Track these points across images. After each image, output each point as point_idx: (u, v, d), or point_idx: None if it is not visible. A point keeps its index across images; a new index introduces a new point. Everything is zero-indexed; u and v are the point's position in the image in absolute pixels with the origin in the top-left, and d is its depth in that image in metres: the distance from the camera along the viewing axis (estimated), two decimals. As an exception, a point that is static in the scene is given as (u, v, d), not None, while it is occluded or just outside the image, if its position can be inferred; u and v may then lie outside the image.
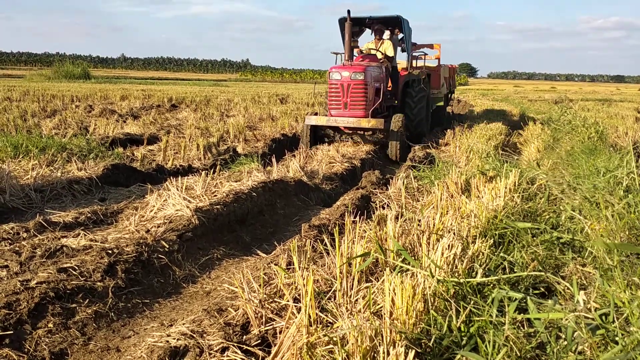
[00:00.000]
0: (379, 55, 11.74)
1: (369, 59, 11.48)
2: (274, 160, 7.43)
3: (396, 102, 11.94)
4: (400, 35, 12.79)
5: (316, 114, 11.17)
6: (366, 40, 14.84)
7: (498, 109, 22.58)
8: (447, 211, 4.22)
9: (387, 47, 11.95)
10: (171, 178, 5.75)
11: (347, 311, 2.61)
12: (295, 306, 2.71)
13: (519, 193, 4.92)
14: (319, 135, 11.09)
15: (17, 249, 3.89)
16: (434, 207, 4.67)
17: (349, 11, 10.75)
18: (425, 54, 15.04)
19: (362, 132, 10.91)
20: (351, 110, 10.33)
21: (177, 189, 5.22)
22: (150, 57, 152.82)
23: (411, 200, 5.27)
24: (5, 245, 4.01)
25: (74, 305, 3.16)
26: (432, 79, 14.75)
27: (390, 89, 11.97)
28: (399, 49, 12.79)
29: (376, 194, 6.13)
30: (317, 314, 2.59)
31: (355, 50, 11.99)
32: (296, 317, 2.54)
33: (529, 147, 10.23)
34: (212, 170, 6.75)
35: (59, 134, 10.36)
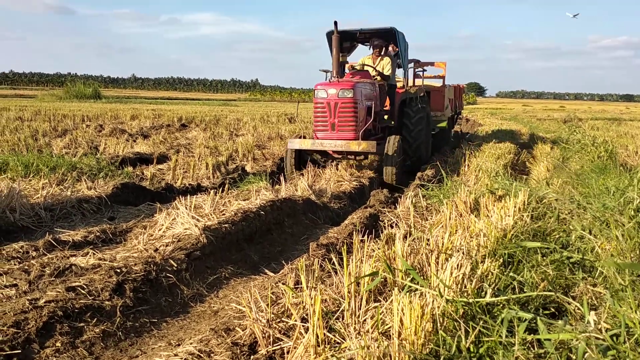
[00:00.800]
0: (372, 72, 10.62)
1: (360, 75, 10.34)
2: (282, 178, 7.45)
3: (392, 122, 10.74)
4: (391, 53, 11.64)
5: (303, 136, 9.97)
6: (360, 56, 13.85)
7: (507, 128, 22.56)
8: (456, 230, 4.20)
9: (386, 65, 10.90)
10: (180, 197, 5.77)
11: (355, 331, 2.59)
12: (303, 326, 2.70)
13: (529, 212, 4.89)
14: (305, 160, 9.93)
15: (26, 267, 3.90)
16: (442, 226, 4.65)
17: (335, 22, 9.55)
18: (424, 70, 14.14)
19: (352, 157, 9.89)
20: (339, 131, 9.21)
21: (186, 208, 5.23)
22: (160, 77, 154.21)
23: (420, 219, 5.25)
24: (15, 264, 4.02)
25: (82, 324, 3.16)
26: (434, 99, 13.77)
27: (387, 108, 10.96)
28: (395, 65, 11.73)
29: (384, 213, 6.11)
30: (325, 334, 2.58)
31: (347, 67, 11.07)
32: (304, 337, 2.52)
33: (538, 166, 10.20)
34: (220, 189, 6.77)
35: (69, 153, 10.43)
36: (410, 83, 13.41)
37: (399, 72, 12.19)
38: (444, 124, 14.41)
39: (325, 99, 9.17)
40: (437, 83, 15.60)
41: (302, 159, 9.86)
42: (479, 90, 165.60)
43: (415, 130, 10.69)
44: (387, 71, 10.79)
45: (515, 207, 4.81)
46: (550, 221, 4.66)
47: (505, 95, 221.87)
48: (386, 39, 11.29)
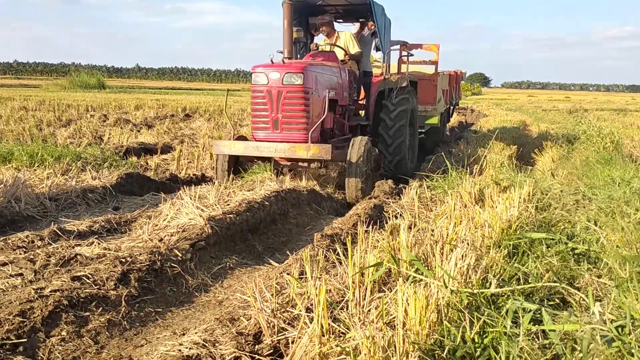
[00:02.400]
0: (340, 54, 8.56)
1: (323, 57, 8.20)
2: (286, 169, 7.43)
3: (367, 120, 8.83)
4: (367, 32, 9.48)
5: (239, 137, 7.80)
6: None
7: (512, 118, 22.48)
8: (461, 221, 4.20)
9: (348, 42, 8.70)
10: (184, 187, 5.77)
11: (359, 321, 2.59)
12: (308, 316, 2.70)
13: (534, 203, 4.88)
14: (244, 166, 7.87)
15: (31, 257, 3.91)
16: (447, 217, 4.64)
17: None
18: (411, 54, 11.29)
19: (306, 165, 7.67)
20: (284, 131, 7.02)
21: (191, 198, 5.23)
22: (164, 67, 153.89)
23: (424, 210, 5.25)
24: (20, 254, 4.04)
25: (87, 313, 3.17)
26: (423, 90, 11.10)
27: (362, 101, 9.14)
28: (372, 47, 9.54)
29: (389, 204, 6.11)
30: (329, 324, 2.58)
31: (312, 46, 8.99)
32: (309, 327, 2.52)
33: (544, 156, 10.17)
34: (225, 179, 6.77)
35: (73, 143, 10.45)
36: (395, 70, 10.83)
37: (378, 56, 10.13)
38: (434, 120, 11.99)
39: (266, 87, 6.98)
40: (429, 70, 12.99)
41: (242, 165, 7.83)
42: (484, 80, 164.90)
43: (395, 127, 8.57)
44: (352, 49, 8.70)
45: (520, 198, 4.80)
46: (555, 212, 4.65)
47: (510, 85, 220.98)
48: (360, 16, 9.48)
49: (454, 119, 22.71)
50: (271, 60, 7.09)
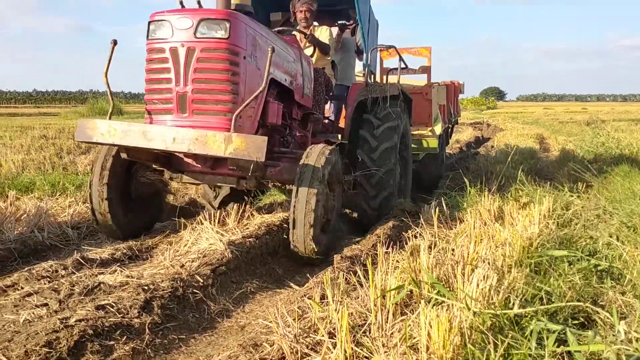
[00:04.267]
0: (303, 43, 6.68)
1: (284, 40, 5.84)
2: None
3: (340, 137, 6.78)
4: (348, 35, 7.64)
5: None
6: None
7: (528, 132, 22.37)
8: (481, 240, 4.18)
9: (322, 33, 6.86)
10: (204, 211, 5.82)
11: (383, 345, 2.60)
12: (331, 341, 2.71)
13: (554, 219, 4.85)
14: (142, 172, 5.38)
15: (56, 286, 3.96)
16: (467, 235, 4.63)
17: None
18: (405, 67, 8.53)
19: (226, 174, 5.08)
20: (195, 114, 4.63)
21: (210, 223, 5.28)
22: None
23: (444, 229, 5.23)
24: (45, 283, 4.09)
25: (112, 342, 3.20)
26: (415, 106, 8.51)
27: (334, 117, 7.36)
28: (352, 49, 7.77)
29: (408, 223, 6.10)
30: (352, 349, 2.59)
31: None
32: (332, 352, 2.53)
33: (562, 170, 10.10)
34: (243, 203, 6.81)
35: (94, 170, 10.57)
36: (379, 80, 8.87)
37: (359, 65, 8.18)
38: (432, 144, 9.50)
39: (169, 42, 4.59)
40: (419, 81, 10.65)
41: (137, 179, 5.40)
42: (499, 94, 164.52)
43: (380, 149, 6.54)
44: (324, 39, 6.80)
45: (540, 214, 4.78)
46: (576, 228, 4.62)
47: (526, 98, 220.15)
48: (339, 15, 7.88)
49: (469, 134, 22.63)
50: (181, 4, 4.86)
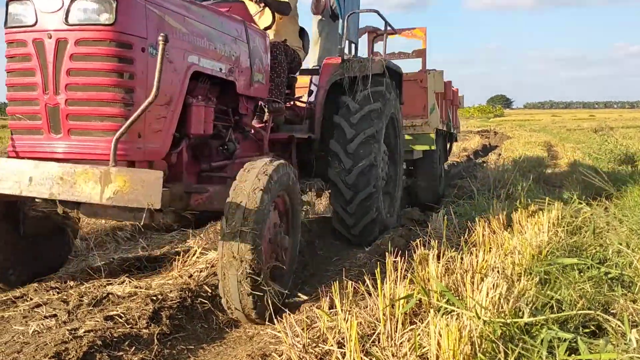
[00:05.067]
0: (266, 19, 5.33)
1: (227, 7, 4.63)
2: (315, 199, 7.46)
3: (310, 133, 5.61)
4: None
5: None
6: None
7: (536, 139, 22.32)
8: (490, 248, 4.17)
9: None
10: (212, 221, 5.82)
11: (392, 355, 2.58)
12: (340, 351, 2.69)
13: (563, 227, 4.83)
14: (31, 204, 3.91)
15: (64, 297, 3.97)
16: (476, 244, 4.62)
17: None
18: (392, 30, 7.01)
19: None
20: (73, 135, 3.32)
21: (218, 232, 5.28)
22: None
23: (452, 237, 5.21)
24: (54, 294, 4.10)
25: (121, 353, 3.20)
26: (407, 95, 7.38)
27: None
28: (340, 30, 6.05)
29: (417, 232, 6.08)
30: (361, 359, 2.57)
31: None
32: (341, 362, 2.52)
33: (570, 177, 10.06)
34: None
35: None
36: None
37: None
38: (427, 139, 8.25)
39: (31, 31, 3.29)
40: (413, 67, 9.22)
41: (25, 210, 4.12)
42: (506, 102, 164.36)
43: (358, 140, 5.46)
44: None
45: (549, 222, 4.76)
46: (586, 236, 4.60)
47: (533, 106, 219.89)
48: None
49: (476, 142, 22.59)
50: None
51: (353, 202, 5.44)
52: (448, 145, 11.26)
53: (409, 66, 9.05)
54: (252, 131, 4.90)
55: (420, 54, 9.40)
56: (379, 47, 9.03)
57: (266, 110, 4.95)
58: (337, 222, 5.73)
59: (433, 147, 8.34)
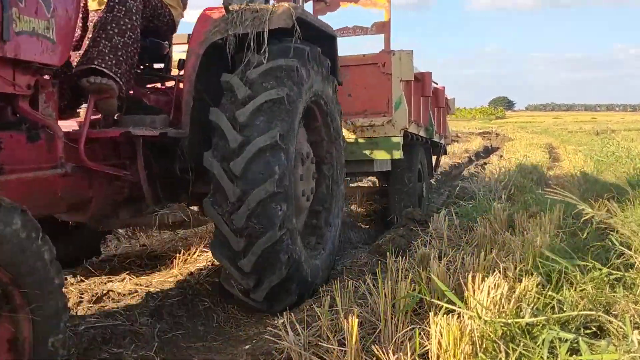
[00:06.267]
0: None
1: None
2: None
3: (178, 129, 3.70)
4: None
5: None
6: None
7: (537, 141, 22.30)
8: (491, 249, 4.16)
9: None
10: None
11: (393, 354, 2.57)
12: (340, 349, 2.69)
13: (565, 228, 4.82)
14: None
15: (65, 294, 3.97)
16: (477, 244, 4.61)
17: None
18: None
19: None
20: None
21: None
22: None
23: (454, 238, 5.20)
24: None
25: (121, 349, 3.20)
26: (363, 84, 6.20)
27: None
28: None
29: (417, 232, 6.07)
30: (362, 357, 2.57)
31: None
32: (341, 360, 2.52)
33: (573, 179, 10.05)
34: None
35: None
36: None
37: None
38: (392, 147, 6.14)
39: None
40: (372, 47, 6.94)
41: None
42: (508, 104, 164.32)
43: (248, 153, 3.46)
44: None
45: (550, 223, 4.75)
46: (587, 236, 4.59)
47: (534, 108, 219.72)
48: None
49: (478, 144, 22.52)
50: None
51: (247, 255, 3.50)
52: (435, 159, 8.98)
53: (369, 45, 7.55)
54: (42, 125, 2.99)
55: (382, 28, 6.78)
56: (329, 17, 6.85)
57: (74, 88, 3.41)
58: (226, 282, 3.75)
59: (398, 156, 6.19)
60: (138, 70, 4.01)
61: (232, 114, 3.52)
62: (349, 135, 6.04)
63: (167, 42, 4.19)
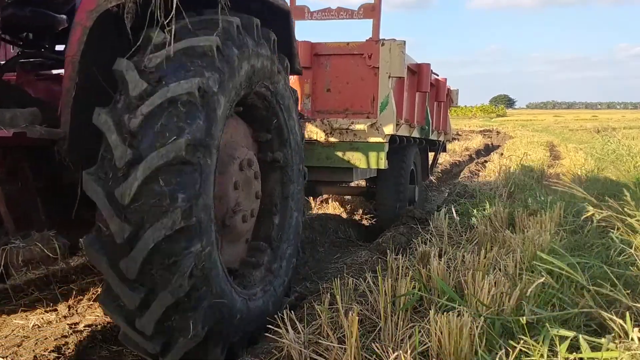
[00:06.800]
0: None
1: None
2: (310, 198, 7.46)
3: (31, 128, 2.60)
4: None
5: None
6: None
7: (538, 139, 22.28)
8: (492, 247, 4.15)
9: None
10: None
11: (393, 352, 2.57)
12: (340, 347, 2.68)
13: (565, 226, 4.82)
14: None
15: (65, 292, 3.97)
16: (477, 242, 4.61)
17: None
18: None
19: None
20: None
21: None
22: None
23: (454, 236, 5.20)
24: (54, 289, 4.10)
25: (120, 347, 3.19)
26: (343, 79, 5.43)
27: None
28: None
29: (418, 230, 6.07)
30: (362, 355, 2.56)
31: None
32: (341, 358, 2.51)
33: (573, 177, 10.04)
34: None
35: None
36: None
37: None
38: (375, 155, 5.41)
39: None
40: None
41: None
42: (509, 102, 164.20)
43: (141, 176, 2.40)
44: None
45: (551, 221, 4.75)
46: (588, 234, 4.59)
47: (535, 106, 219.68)
48: None
49: (479, 142, 22.48)
50: None
51: (144, 314, 2.52)
52: (431, 157, 8.33)
53: (354, 32, 6.14)
54: None
55: (372, 12, 5.65)
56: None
57: None
58: (127, 343, 2.72)
59: (382, 166, 5.46)
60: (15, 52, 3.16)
61: (119, 119, 2.51)
62: (324, 138, 5.32)
63: (55, 15, 3.23)
